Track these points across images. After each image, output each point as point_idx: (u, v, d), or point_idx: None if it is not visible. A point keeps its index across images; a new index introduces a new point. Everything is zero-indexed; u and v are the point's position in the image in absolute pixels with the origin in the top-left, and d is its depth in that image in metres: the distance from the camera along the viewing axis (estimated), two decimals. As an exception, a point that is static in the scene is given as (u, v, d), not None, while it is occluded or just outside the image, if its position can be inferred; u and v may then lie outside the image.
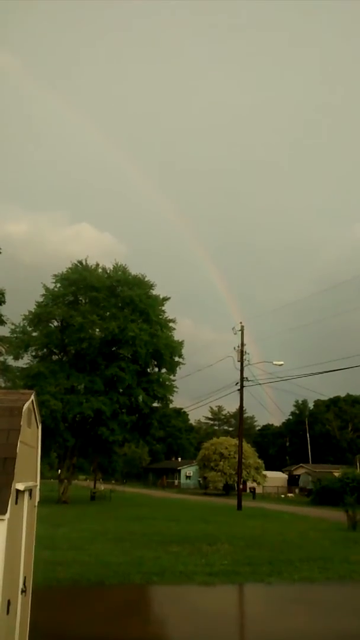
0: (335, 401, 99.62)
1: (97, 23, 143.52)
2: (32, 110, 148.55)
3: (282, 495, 65.20)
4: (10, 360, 38.31)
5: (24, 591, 5.05)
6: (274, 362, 40.93)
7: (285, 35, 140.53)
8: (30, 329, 37.90)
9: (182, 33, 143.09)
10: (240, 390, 39.85)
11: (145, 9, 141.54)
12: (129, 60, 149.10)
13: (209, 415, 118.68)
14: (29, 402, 5.02)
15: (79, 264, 39.12)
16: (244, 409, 42.34)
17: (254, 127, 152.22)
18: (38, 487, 5.73)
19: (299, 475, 74.27)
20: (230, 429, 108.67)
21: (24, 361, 38.12)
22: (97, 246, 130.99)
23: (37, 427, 5.65)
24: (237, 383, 40.23)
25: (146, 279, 40.04)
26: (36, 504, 5.65)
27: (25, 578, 5.11)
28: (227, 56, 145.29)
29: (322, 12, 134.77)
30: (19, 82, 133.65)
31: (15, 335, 37.29)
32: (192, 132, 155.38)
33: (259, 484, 63.58)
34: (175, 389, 40.03)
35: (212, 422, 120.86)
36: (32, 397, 5.17)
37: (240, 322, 41.50)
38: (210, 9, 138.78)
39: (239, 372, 39.96)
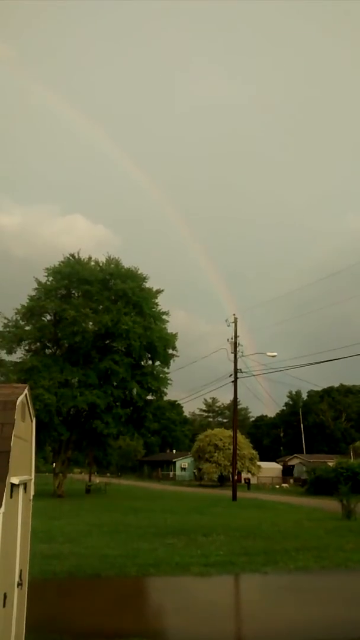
0: (328, 391, 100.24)
1: (95, 19, 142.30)
2: (24, 102, 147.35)
3: (277, 486, 65.59)
4: (4, 355, 38.31)
5: (20, 584, 5.05)
6: (268, 354, 41.03)
7: (283, 28, 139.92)
8: (23, 322, 37.74)
9: (178, 27, 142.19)
10: (234, 382, 39.96)
11: (142, 6, 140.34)
12: (123, 52, 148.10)
13: (204, 407, 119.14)
14: (23, 395, 4.99)
15: (71, 257, 38.97)
16: (238, 400, 42.48)
17: (249, 118, 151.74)
18: (33, 480, 5.72)
19: (293, 466, 74.72)
20: (225, 420, 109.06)
21: (17, 355, 38.04)
22: (90, 237, 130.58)
23: (31, 421, 5.63)
24: (231, 375, 40.35)
25: (139, 272, 40.01)
26: (31, 497, 5.64)
27: (21, 571, 5.11)
28: (224, 47, 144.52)
29: (319, 7, 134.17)
30: (12, 73, 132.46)
31: (8, 329, 37.17)
32: (187, 123, 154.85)
33: (253, 474, 63.93)
34: (169, 382, 40.07)
35: (206, 414, 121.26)
36: (26, 391, 5.14)
37: (234, 314, 41.60)
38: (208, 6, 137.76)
39: (232, 364, 40.10)
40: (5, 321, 37.14)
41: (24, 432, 5.20)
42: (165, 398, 44.52)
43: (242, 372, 40.45)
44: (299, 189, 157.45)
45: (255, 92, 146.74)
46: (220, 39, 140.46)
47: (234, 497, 36.91)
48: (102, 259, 40.37)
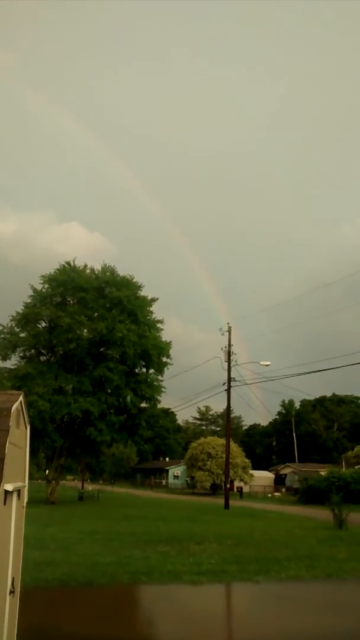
0: (321, 401, 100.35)
1: (93, 26, 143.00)
2: (22, 110, 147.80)
3: (269, 495, 65.51)
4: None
5: (12, 592, 5.07)
6: (261, 363, 41.12)
7: (282, 41, 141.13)
8: (18, 329, 37.77)
9: (175, 35, 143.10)
10: (228, 391, 39.98)
11: (141, 11, 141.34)
12: (121, 62, 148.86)
13: (197, 415, 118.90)
14: (17, 403, 5.03)
15: (67, 265, 39.04)
16: (231, 409, 42.49)
17: (245, 127, 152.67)
18: (26, 487, 5.75)
19: (285, 475, 74.68)
20: (218, 428, 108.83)
21: (12, 362, 38.03)
22: (87, 245, 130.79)
23: (26, 428, 5.67)
24: (225, 383, 40.39)
25: (134, 280, 40.13)
26: (24, 504, 5.67)
27: (13, 579, 5.13)
28: (222, 57, 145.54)
29: (320, 16, 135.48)
30: (11, 82, 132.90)
31: (2, 335, 37.17)
32: (184, 131, 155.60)
33: (246, 483, 63.87)
34: (163, 389, 40.12)
35: (199, 422, 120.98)
36: (21, 398, 5.19)
37: (228, 323, 41.72)
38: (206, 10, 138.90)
39: (226, 373, 40.14)
40: (0, 328, 37.18)
41: (18, 439, 5.24)
42: (159, 406, 44.56)
43: (235, 380, 40.53)
44: (294, 200, 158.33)
45: (253, 106, 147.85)
46: (220, 50, 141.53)
47: (226, 506, 36.85)
48: (98, 267, 40.56)
